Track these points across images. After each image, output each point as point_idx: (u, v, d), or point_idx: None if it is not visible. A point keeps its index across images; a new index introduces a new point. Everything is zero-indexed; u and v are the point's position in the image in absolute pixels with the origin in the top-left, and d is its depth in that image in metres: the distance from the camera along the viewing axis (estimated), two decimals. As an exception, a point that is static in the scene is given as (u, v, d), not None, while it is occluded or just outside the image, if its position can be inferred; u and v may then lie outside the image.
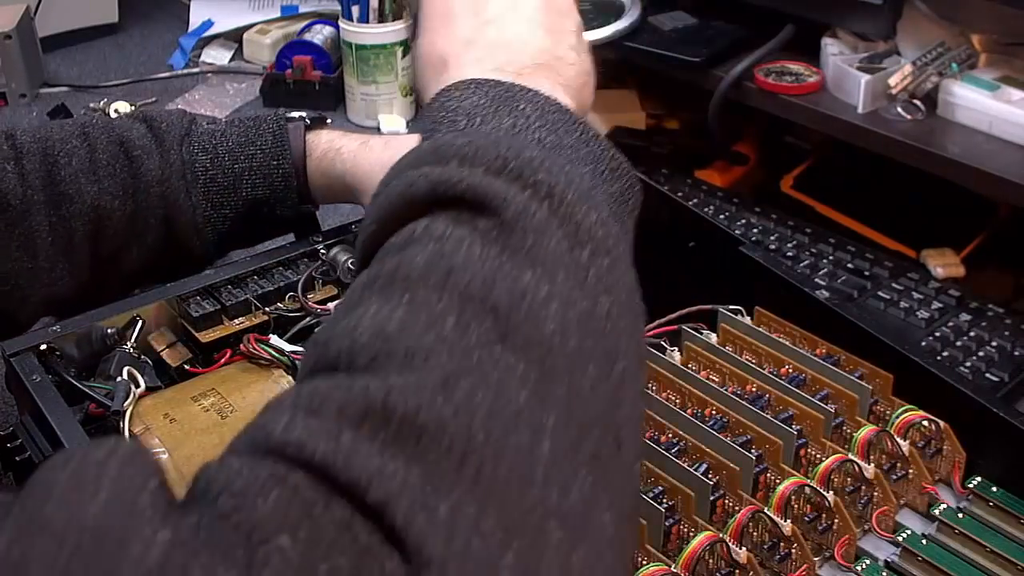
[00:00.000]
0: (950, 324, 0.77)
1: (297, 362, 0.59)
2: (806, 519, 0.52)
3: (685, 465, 0.53)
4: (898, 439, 0.56)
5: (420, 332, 0.33)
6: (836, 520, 0.52)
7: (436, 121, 0.44)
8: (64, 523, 0.27)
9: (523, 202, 0.36)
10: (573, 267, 0.36)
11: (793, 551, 0.50)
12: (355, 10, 1.09)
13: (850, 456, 0.54)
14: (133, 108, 1.16)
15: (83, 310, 0.62)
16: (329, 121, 0.72)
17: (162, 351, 0.63)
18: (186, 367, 0.63)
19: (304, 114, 0.70)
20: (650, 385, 0.60)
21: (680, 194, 0.94)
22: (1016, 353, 0.74)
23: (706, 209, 0.92)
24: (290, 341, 0.61)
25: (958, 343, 0.75)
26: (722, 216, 0.92)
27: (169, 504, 0.29)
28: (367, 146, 0.68)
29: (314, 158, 0.68)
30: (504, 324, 0.33)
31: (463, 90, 0.44)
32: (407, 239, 0.37)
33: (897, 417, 0.57)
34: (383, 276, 0.36)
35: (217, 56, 1.29)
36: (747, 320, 0.64)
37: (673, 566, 0.48)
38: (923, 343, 0.75)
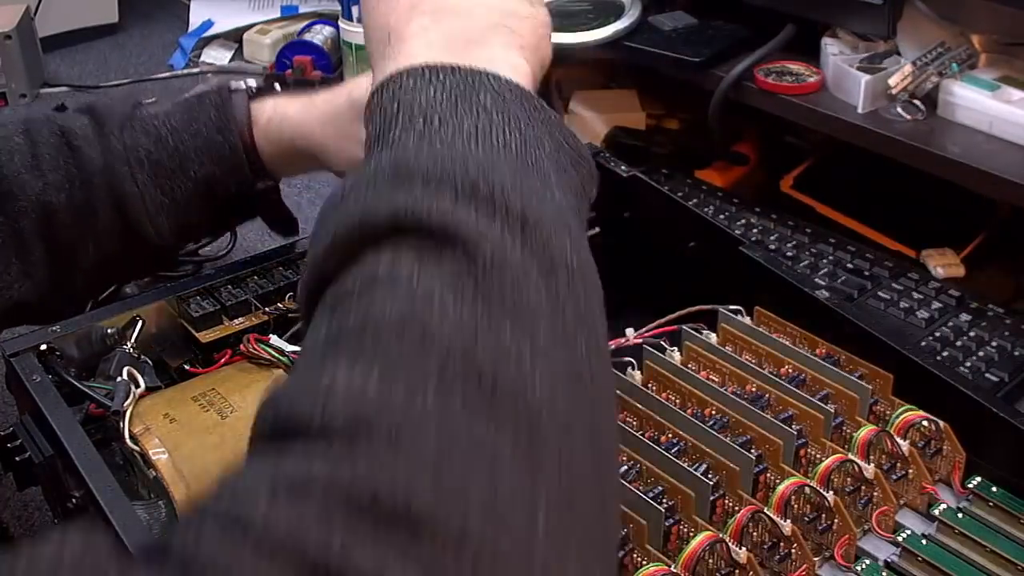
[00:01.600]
0: (950, 324, 0.77)
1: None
2: (806, 519, 0.52)
3: (685, 465, 0.53)
4: (898, 439, 0.56)
5: (401, 404, 0.31)
6: (836, 520, 0.52)
7: (389, 117, 0.41)
8: None
9: (496, 239, 0.34)
10: (551, 311, 0.35)
11: (793, 551, 0.50)
12: (355, 10, 1.09)
13: (850, 456, 0.54)
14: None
15: (51, 316, 0.61)
16: (278, 87, 0.68)
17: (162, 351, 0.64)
18: (186, 367, 0.63)
19: (252, 82, 0.67)
20: (649, 385, 0.60)
21: (680, 194, 0.93)
22: (1016, 353, 0.74)
23: (706, 209, 0.92)
24: (290, 341, 0.61)
25: (958, 343, 0.75)
26: (722, 216, 0.92)
27: None
28: (311, 103, 0.65)
29: (260, 126, 0.65)
30: (489, 392, 0.32)
31: (416, 78, 0.42)
32: (369, 281, 0.34)
33: (897, 417, 0.57)
34: (349, 332, 0.33)
35: (217, 56, 1.29)
36: (747, 320, 0.64)
37: (673, 566, 0.48)
38: (923, 343, 0.75)
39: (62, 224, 0.63)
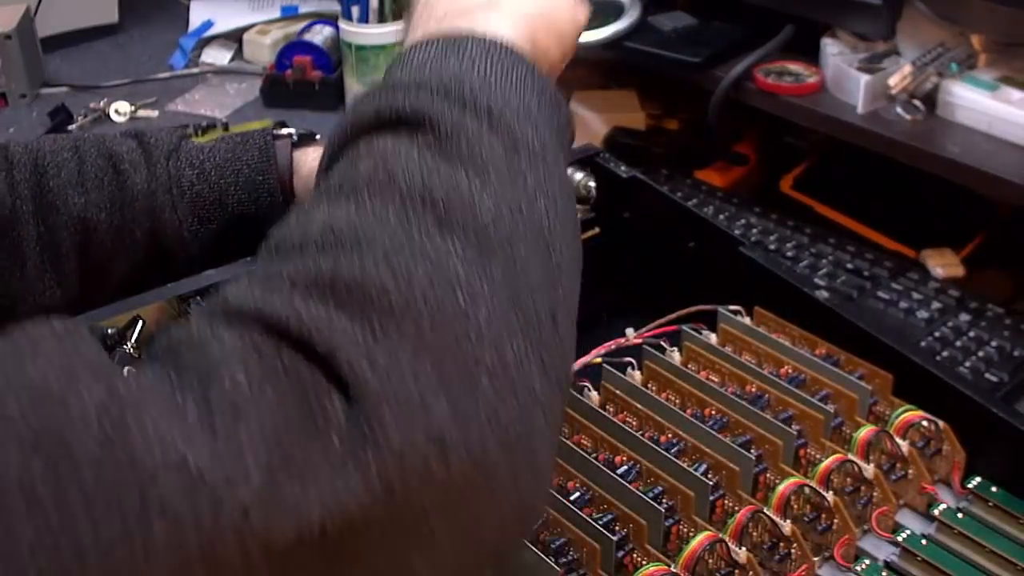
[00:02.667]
0: (950, 324, 0.77)
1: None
2: (806, 519, 0.52)
3: (685, 465, 0.53)
4: (898, 439, 0.56)
5: (366, 224, 0.36)
6: (836, 520, 0.52)
7: (392, 69, 0.46)
8: (2, 387, 0.29)
9: (460, 117, 0.40)
10: (508, 171, 0.39)
11: (793, 551, 0.51)
12: (355, 10, 1.09)
13: (850, 456, 0.54)
14: (133, 108, 1.16)
15: None
16: (318, 137, 0.72)
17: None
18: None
19: (292, 131, 0.70)
20: (649, 385, 0.60)
21: (680, 194, 0.94)
22: (1016, 353, 0.74)
23: (706, 209, 0.92)
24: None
25: (958, 343, 0.75)
26: (722, 216, 0.92)
27: (110, 365, 0.31)
28: None
29: (302, 176, 0.68)
30: (442, 213, 0.37)
31: (413, 49, 0.46)
32: (353, 157, 0.40)
33: (897, 417, 0.57)
34: (332, 187, 0.39)
35: (217, 56, 1.29)
36: (747, 320, 0.64)
37: (673, 566, 0.48)
38: (923, 343, 0.75)
39: (99, 242, 0.65)
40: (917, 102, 0.87)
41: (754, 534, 0.51)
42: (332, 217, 0.37)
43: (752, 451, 0.54)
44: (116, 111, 1.15)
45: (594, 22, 1.00)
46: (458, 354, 0.34)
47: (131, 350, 0.61)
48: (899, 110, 0.87)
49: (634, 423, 0.57)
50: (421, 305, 0.34)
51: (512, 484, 0.34)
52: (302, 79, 1.17)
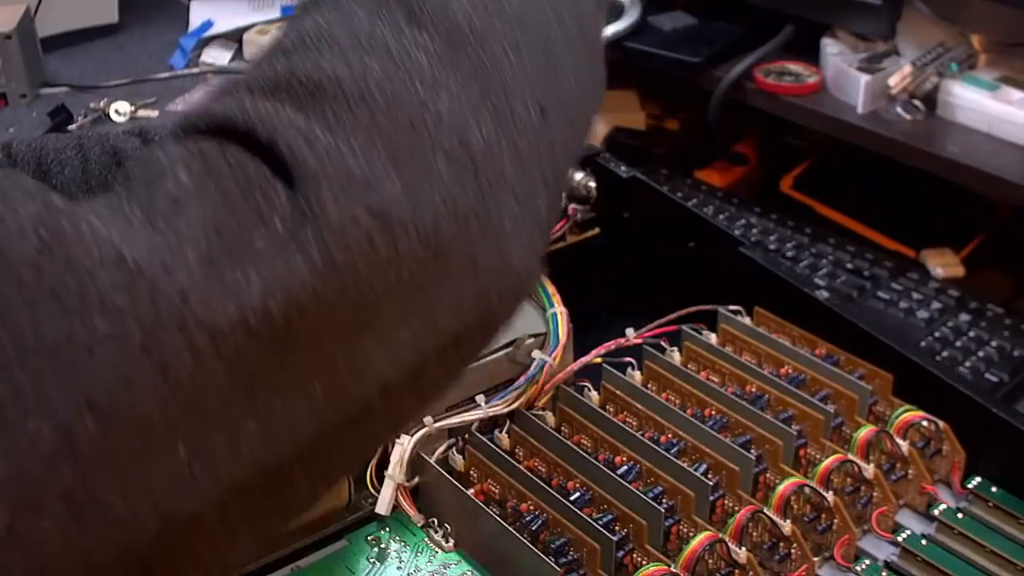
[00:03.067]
0: (950, 324, 0.77)
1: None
2: (806, 519, 0.52)
3: (685, 465, 0.53)
4: (898, 439, 0.56)
5: (334, 25, 0.36)
6: (836, 520, 0.52)
7: None
8: None
9: None
10: None
11: (793, 551, 0.51)
12: (355, 10, 1.09)
13: (850, 456, 0.54)
14: (133, 108, 1.16)
15: None
16: None
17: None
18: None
19: None
20: (649, 385, 0.60)
21: (680, 194, 0.94)
22: (1016, 353, 0.74)
23: (706, 209, 0.92)
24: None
25: (958, 343, 0.75)
26: (722, 216, 0.92)
27: (47, 190, 0.30)
28: None
29: None
30: (415, 9, 0.36)
31: None
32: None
33: (896, 417, 0.57)
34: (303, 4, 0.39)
35: (217, 56, 1.29)
36: (747, 320, 0.64)
37: (673, 566, 0.48)
38: (923, 343, 0.75)
39: None
40: (917, 102, 0.87)
41: (754, 534, 0.51)
42: (305, 23, 0.36)
43: (752, 451, 0.54)
44: (116, 111, 1.15)
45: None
46: (413, 138, 0.33)
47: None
48: (899, 110, 0.87)
49: (634, 423, 0.57)
50: (376, 93, 0.33)
51: (470, 268, 0.34)
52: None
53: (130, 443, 0.27)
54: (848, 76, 0.89)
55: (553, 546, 0.49)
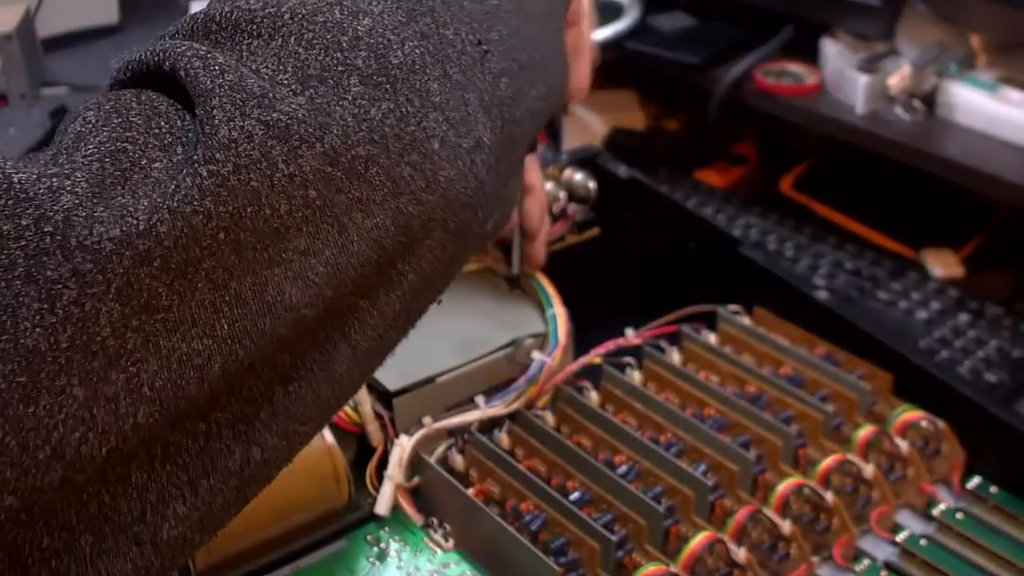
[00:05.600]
0: (950, 324, 0.77)
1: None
2: (805, 519, 0.52)
3: (684, 465, 0.53)
4: (897, 439, 0.56)
5: None
6: (835, 520, 0.52)
7: None
8: None
9: None
10: None
11: (792, 551, 0.51)
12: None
13: (849, 456, 0.54)
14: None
15: None
16: None
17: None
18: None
19: None
20: (649, 385, 0.60)
21: (679, 195, 0.94)
22: (1016, 353, 0.74)
23: (706, 210, 0.92)
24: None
25: (958, 343, 0.75)
26: (722, 216, 0.92)
27: None
28: None
29: None
30: None
31: None
32: None
33: (896, 417, 0.57)
34: None
35: (217, 57, 1.29)
36: (746, 320, 0.64)
37: (672, 566, 0.48)
38: (922, 343, 0.75)
39: None
40: (916, 102, 0.87)
41: (753, 534, 0.51)
42: None
43: (751, 451, 0.54)
44: (116, 111, 1.15)
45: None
46: (325, 59, 0.32)
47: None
48: (898, 110, 0.87)
49: (634, 423, 0.57)
50: (290, 21, 0.33)
51: (389, 189, 0.32)
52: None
53: (19, 380, 0.26)
54: (847, 76, 0.90)
55: (553, 546, 0.49)
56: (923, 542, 0.53)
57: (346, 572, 0.51)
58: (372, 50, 0.33)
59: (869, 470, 0.54)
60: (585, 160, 0.71)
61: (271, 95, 0.31)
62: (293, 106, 0.31)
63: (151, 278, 0.28)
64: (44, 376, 0.26)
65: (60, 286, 0.26)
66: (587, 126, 1.05)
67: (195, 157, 0.29)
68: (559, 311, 0.61)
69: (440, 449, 0.55)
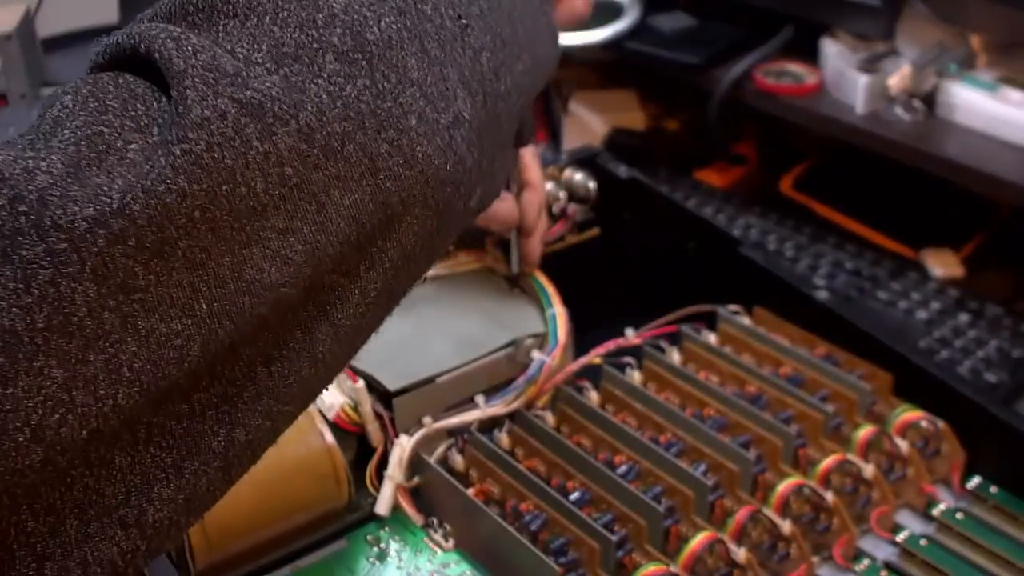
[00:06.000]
0: (950, 324, 0.77)
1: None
2: (805, 519, 0.52)
3: (684, 465, 0.53)
4: (897, 439, 0.56)
5: None
6: (835, 520, 0.52)
7: None
8: None
9: None
10: None
11: (792, 551, 0.51)
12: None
13: (849, 456, 0.54)
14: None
15: None
16: None
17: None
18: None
19: None
20: (649, 385, 0.60)
21: (680, 194, 0.94)
22: (1016, 353, 0.74)
23: (705, 210, 0.92)
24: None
25: (957, 343, 0.75)
26: (722, 216, 0.92)
27: None
28: None
29: None
30: None
31: None
32: None
33: (896, 417, 0.57)
34: None
35: (217, 57, 1.29)
36: (746, 320, 0.64)
37: (672, 566, 0.48)
38: (922, 343, 0.75)
39: None
40: (916, 102, 0.87)
41: (753, 534, 0.51)
42: None
43: (751, 451, 0.54)
44: (116, 111, 1.15)
45: (594, 22, 1.00)
46: (300, 37, 0.32)
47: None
48: (898, 110, 0.87)
49: (634, 423, 0.57)
50: (264, 0, 0.33)
51: (367, 166, 0.32)
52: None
53: None
54: (847, 76, 0.89)
55: (553, 546, 0.49)
56: (923, 542, 0.53)
57: (346, 572, 0.51)
58: (347, 27, 0.33)
59: (869, 470, 0.54)
60: (585, 160, 0.71)
61: (245, 74, 0.30)
62: (267, 84, 0.31)
63: (126, 257, 0.28)
64: (21, 357, 0.26)
65: (35, 266, 0.26)
66: (587, 126, 1.05)
67: (169, 137, 0.29)
68: (559, 311, 0.61)
69: (440, 449, 0.55)
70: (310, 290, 0.32)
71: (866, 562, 0.52)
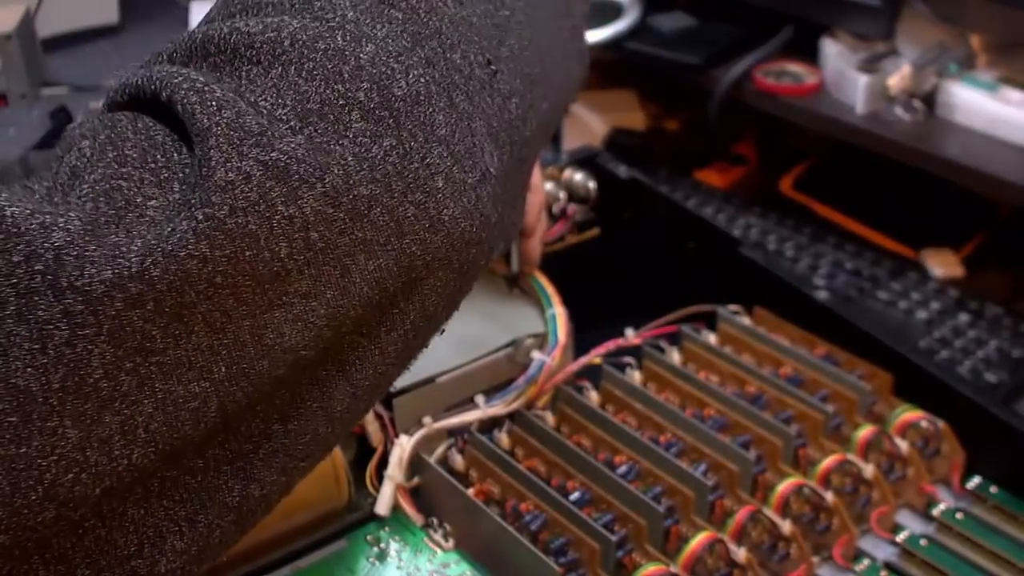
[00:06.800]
0: (949, 324, 0.77)
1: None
2: (805, 519, 0.52)
3: (684, 465, 0.53)
4: (897, 439, 0.56)
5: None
6: (835, 520, 0.52)
7: None
8: None
9: None
10: None
11: (792, 551, 0.51)
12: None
13: (849, 456, 0.54)
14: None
15: None
16: None
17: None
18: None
19: None
20: (649, 385, 0.60)
21: (680, 194, 0.94)
22: (1016, 353, 0.74)
23: (706, 210, 0.92)
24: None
25: (957, 343, 0.75)
26: (722, 217, 0.92)
27: None
28: None
29: None
30: None
31: None
32: None
33: (896, 417, 0.57)
34: None
35: (217, 57, 1.29)
36: (746, 320, 0.64)
37: (672, 566, 0.48)
38: (922, 343, 0.75)
39: None
40: (916, 102, 0.87)
41: (753, 534, 0.51)
42: None
43: (751, 451, 0.54)
44: (116, 111, 1.15)
45: (594, 22, 1.00)
46: (326, 92, 0.31)
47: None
48: (898, 111, 0.87)
49: (634, 423, 0.57)
50: (290, 49, 0.31)
51: (393, 230, 0.31)
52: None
53: (10, 419, 0.25)
54: (847, 76, 0.90)
55: (553, 546, 0.49)
56: (923, 542, 0.53)
57: (346, 572, 0.51)
58: (374, 81, 0.32)
59: (869, 470, 0.54)
60: (585, 160, 0.71)
61: (270, 133, 0.30)
62: (292, 145, 0.30)
63: (144, 321, 0.27)
64: (36, 417, 0.26)
65: (51, 327, 0.26)
66: (587, 126, 1.05)
67: (192, 200, 0.28)
68: (559, 311, 0.61)
69: (440, 449, 0.55)
70: (329, 350, 0.32)
71: (866, 562, 0.52)
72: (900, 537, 0.53)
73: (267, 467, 0.31)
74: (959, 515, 0.54)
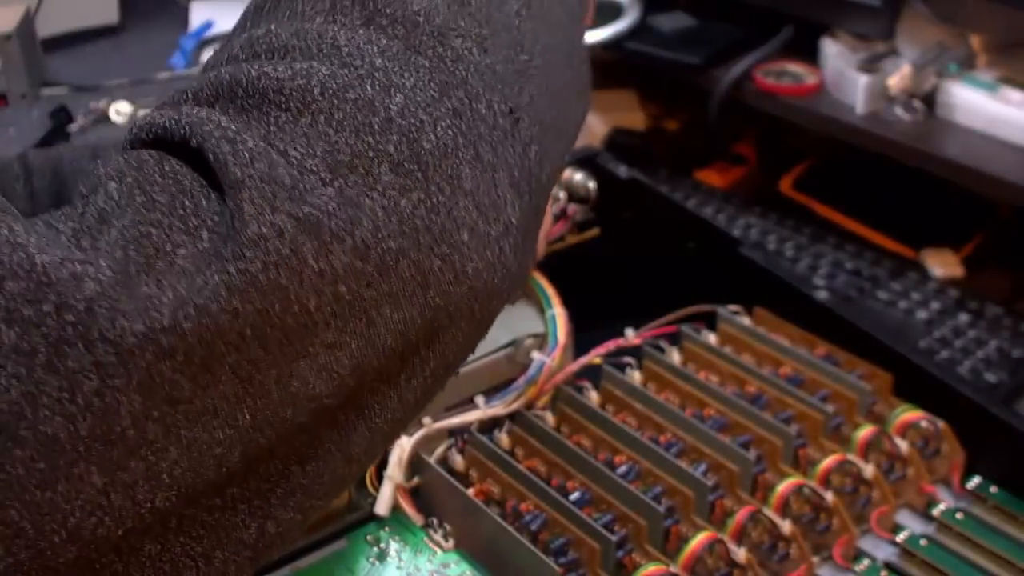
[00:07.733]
0: (949, 324, 0.77)
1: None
2: (805, 519, 0.52)
3: (684, 465, 0.53)
4: (897, 439, 0.56)
5: (283, 31, 0.34)
6: (835, 520, 0.52)
7: None
8: None
9: None
10: None
11: (792, 551, 0.51)
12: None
13: (849, 456, 0.54)
14: (134, 109, 1.16)
15: None
16: None
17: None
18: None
19: None
20: (649, 385, 0.60)
21: (679, 195, 0.94)
22: (1016, 353, 0.74)
23: (706, 210, 0.92)
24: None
25: (957, 343, 0.75)
26: (722, 217, 0.92)
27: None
28: None
29: None
30: (369, 9, 0.34)
31: None
32: None
33: (896, 417, 0.57)
34: (258, 5, 0.37)
35: (217, 57, 1.29)
36: (746, 320, 0.64)
37: (672, 566, 0.48)
38: (922, 343, 0.75)
39: None
40: (916, 103, 0.87)
41: (753, 534, 0.51)
42: (257, 29, 0.35)
43: (751, 451, 0.54)
44: (117, 111, 1.15)
45: (594, 22, 1.00)
46: (356, 144, 0.31)
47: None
48: (898, 111, 0.87)
49: (634, 423, 0.57)
50: (320, 97, 0.31)
51: (419, 284, 0.32)
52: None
53: (38, 466, 0.26)
54: (847, 76, 0.89)
55: (553, 546, 0.49)
56: (923, 542, 0.53)
57: (346, 572, 0.51)
58: (404, 133, 0.32)
59: (869, 470, 0.54)
60: (585, 160, 0.71)
61: (301, 186, 0.30)
62: (323, 198, 0.30)
63: (173, 371, 0.27)
64: (62, 463, 0.26)
65: (81, 376, 0.26)
66: (587, 126, 1.05)
67: (223, 252, 0.28)
68: (559, 311, 0.61)
69: (440, 449, 0.55)
70: (350, 396, 0.32)
71: (866, 562, 0.52)
72: (900, 537, 0.53)
73: (284, 506, 0.32)
74: (959, 515, 0.54)
